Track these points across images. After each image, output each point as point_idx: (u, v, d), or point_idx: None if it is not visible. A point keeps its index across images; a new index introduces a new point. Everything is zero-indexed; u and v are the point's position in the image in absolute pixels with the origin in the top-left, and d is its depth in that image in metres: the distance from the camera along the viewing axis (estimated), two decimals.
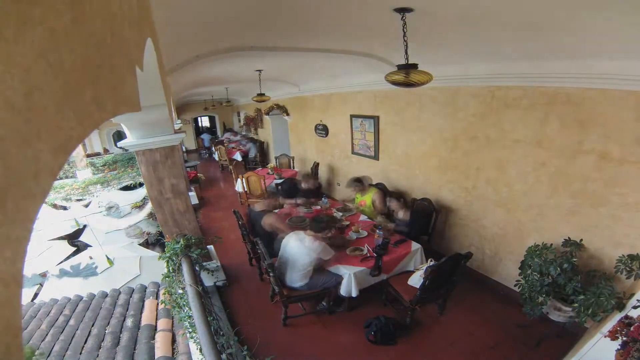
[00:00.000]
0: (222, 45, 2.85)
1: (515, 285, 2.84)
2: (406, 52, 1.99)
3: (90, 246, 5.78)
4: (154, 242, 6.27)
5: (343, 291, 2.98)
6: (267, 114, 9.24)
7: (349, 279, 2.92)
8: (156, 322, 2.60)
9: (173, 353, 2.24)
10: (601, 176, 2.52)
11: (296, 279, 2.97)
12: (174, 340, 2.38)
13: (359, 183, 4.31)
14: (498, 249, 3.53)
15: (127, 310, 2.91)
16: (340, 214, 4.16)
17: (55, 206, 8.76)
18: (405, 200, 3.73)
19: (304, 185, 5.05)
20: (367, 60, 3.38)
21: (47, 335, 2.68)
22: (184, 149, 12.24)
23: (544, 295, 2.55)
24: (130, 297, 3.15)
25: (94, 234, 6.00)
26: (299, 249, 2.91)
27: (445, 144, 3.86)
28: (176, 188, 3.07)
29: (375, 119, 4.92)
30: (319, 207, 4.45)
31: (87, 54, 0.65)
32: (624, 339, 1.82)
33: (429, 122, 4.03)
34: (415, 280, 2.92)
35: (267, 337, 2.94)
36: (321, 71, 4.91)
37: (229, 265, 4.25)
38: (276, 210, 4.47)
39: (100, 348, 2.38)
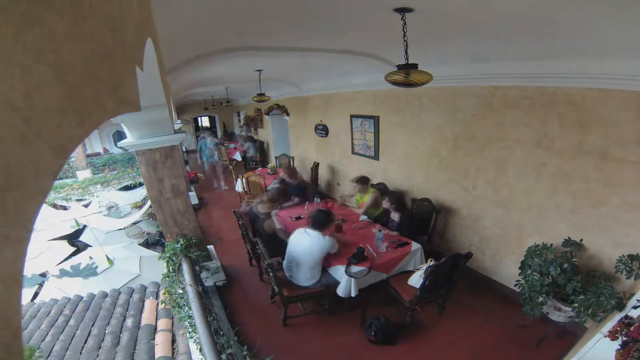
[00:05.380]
0: (222, 45, 2.85)
1: (515, 285, 2.84)
2: (406, 52, 1.99)
3: (90, 246, 5.78)
4: (154, 242, 6.28)
5: (341, 292, 2.97)
6: (267, 114, 9.24)
7: (349, 279, 2.92)
8: (156, 322, 2.60)
9: (173, 353, 2.24)
10: (601, 176, 2.52)
11: (307, 277, 2.97)
12: (174, 340, 2.38)
13: (363, 183, 4.28)
14: (498, 249, 3.53)
15: (127, 310, 2.90)
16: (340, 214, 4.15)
17: (55, 206, 8.77)
18: (398, 201, 3.70)
19: (286, 179, 4.78)
20: (367, 60, 3.38)
21: (47, 335, 2.68)
22: (184, 149, 12.24)
23: (544, 295, 2.55)
24: (130, 297, 3.15)
25: (94, 234, 6.00)
26: (310, 245, 2.90)
27: (445, 144, 3.86)
28: (176, 188, 3.07)
29: (375, 119, 4.92)
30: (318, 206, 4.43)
31: (87, 54, 0.65)
32: (624, 339, 1.82)
33: (429, 122, 4.03)
34: (415, 280, 2.92)
35: (267, 337, 2.94)
36: (321, 71, 4.90)
37: (229, 265, 4.25)
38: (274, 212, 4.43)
39: (100, 348, 2.38)
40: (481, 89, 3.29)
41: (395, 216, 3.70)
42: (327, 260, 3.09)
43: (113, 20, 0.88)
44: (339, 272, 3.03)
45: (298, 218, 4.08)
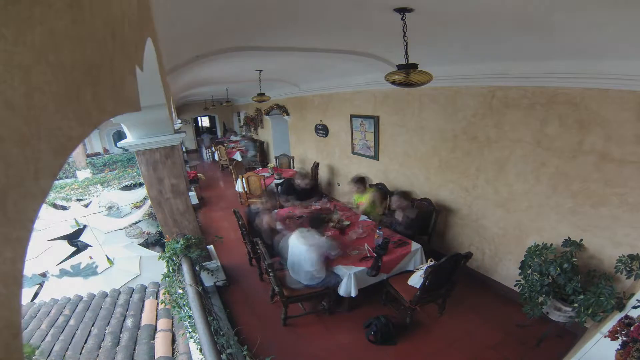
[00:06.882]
0: (222, 45, 2.84)
1: (515, 285, 2.84)
2: (406, 52, 1.98)
3: (90, 246, 5.79)
4: (154, 242, 6.28)
5: (342, 291, 2.98)
6: (267, 114, 9.24)
7: (349, 279, 2.92)
8: (156, 322, 2.60)
9: (173, 353, 2.24)
10: (601, 176, 2.52)
11: (309, 277, 2.97)
12: (174, 340, 2.38)
13: (360, 183, 4.29)
14: (498, 249, 3.53)
15: (127, 310, 2.91)
16: (340, 212, 4.15)
17: (55, 206, 8.78)
18: (407, 199, 3.70)
19: (298, 182, 5.00)
20: (367, 60, 3.38)
21: (47, 335, 2.68)
22: (184, 149, 12.23)
23: (544, 295, 2.55)
24: (130, 297, 3.15)
25: (94, 234, 6.00)
26: (305, 246, 2.90)
27: (445, 144, 3.86)
28: (176, 188, 3.07)
29: (375, 119, 4.92)
30: (318, 207, 4.44)
31: (87, 54, 0.65)
32: (624, 339, 1.82)
33: (429, 122, 4.03)
34: (415, 280, 2.92)
35: (267, 337, 2.94)
36: (321, 71, 4.90)
37: (229, 265, 4.24)
38: (275, 211, 4.46)
39: (100, 348, 2.38)
40: (481, 89, 3.29)
41: (400, 215, 3.69)
42: (328, 261, 3.09)
43: (113, 20, 0.88)
44: (339, 271, 3.03)
45: (300, 217, 4.09)
